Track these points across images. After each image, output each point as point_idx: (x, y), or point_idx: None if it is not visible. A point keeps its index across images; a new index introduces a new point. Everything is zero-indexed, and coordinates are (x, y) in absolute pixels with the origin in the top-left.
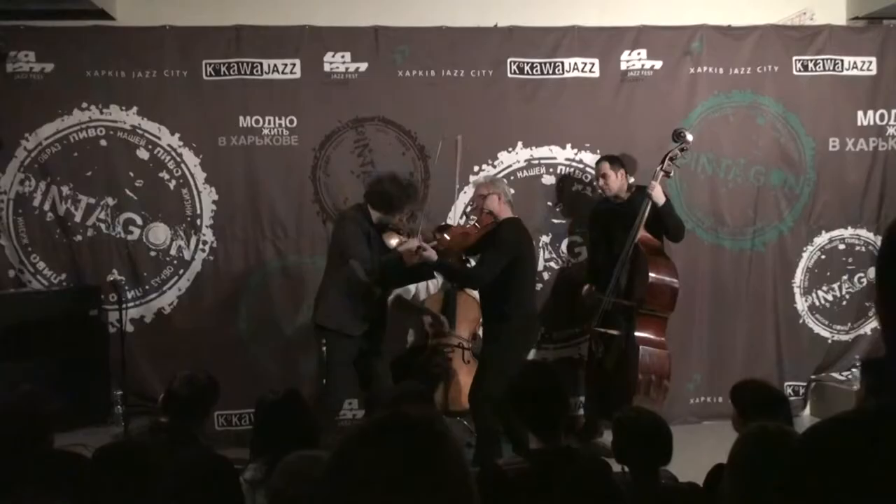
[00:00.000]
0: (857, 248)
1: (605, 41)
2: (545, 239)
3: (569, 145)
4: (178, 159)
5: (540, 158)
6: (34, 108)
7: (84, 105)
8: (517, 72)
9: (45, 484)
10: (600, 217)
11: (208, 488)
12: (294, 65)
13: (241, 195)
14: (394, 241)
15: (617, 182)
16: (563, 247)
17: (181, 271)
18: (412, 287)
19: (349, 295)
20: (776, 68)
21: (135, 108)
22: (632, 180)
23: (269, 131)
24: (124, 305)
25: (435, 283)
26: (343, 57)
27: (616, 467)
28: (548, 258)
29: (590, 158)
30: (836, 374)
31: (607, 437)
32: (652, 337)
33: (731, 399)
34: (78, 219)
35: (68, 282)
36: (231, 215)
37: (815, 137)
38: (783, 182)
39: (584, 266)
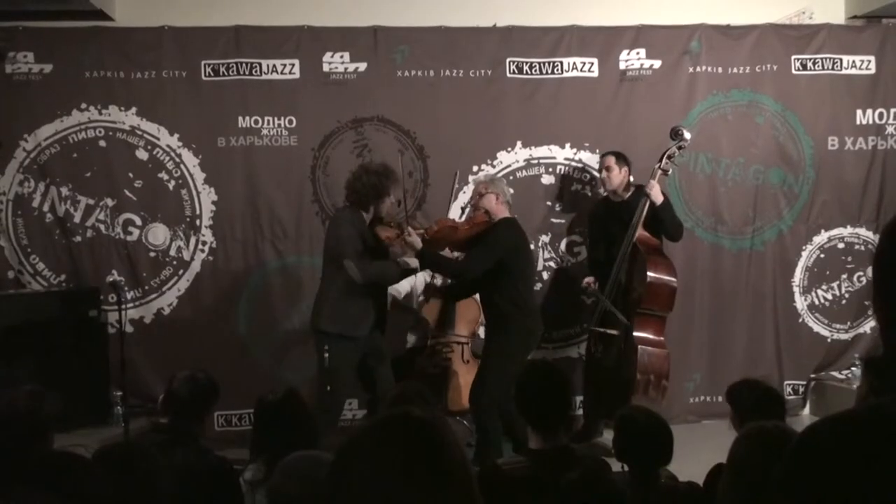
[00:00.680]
0: (857, 246)
1: (604, 41)
2: (545, 238)
3: (568, 145)
4: (178, 160)
5: (539, 158)
6: (33, 109)
7: (83, 106)
8: (516, 71)
9: (44, 484)
10: (599, 216)
11: (208, 488)
12: (293, 65)
13: (241, 196)
14: (385, 234)
15: (619, 178)
16: (563, 246)
17: (181, 272)
18: (403, 287)
19: (349, 297)
20: (775, 67)
21: (134, 109)
22: (631, 179)
23: (269, 131)
24: (124, 306)
25: (423, 281)
26: (342, 57)
27: (616, 466)
28: (547, 258)
29: (589, 158)
30: (835, 373)
31: (607, 437)
32: (651, 336)
33: (727, 399)
34: (77, 219)
35: (68, 283)
36: (230, 216)
37: (814, 136)
38: (782, 181)
39: (583, 266)
